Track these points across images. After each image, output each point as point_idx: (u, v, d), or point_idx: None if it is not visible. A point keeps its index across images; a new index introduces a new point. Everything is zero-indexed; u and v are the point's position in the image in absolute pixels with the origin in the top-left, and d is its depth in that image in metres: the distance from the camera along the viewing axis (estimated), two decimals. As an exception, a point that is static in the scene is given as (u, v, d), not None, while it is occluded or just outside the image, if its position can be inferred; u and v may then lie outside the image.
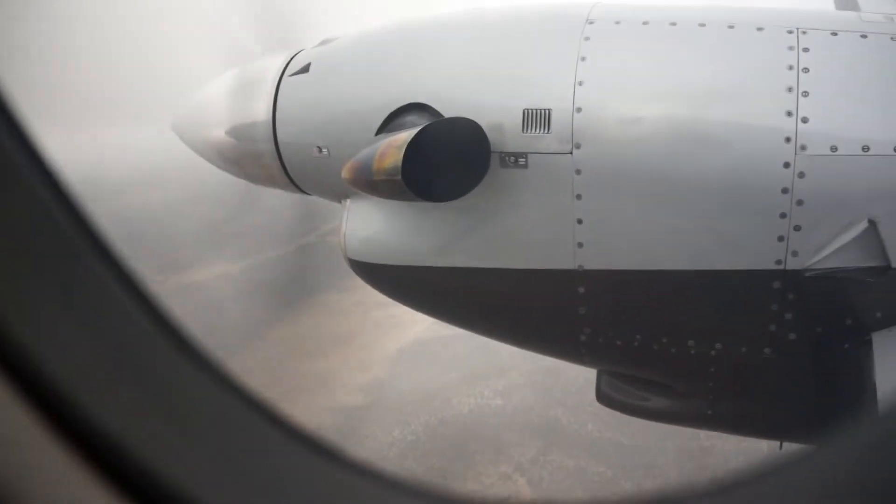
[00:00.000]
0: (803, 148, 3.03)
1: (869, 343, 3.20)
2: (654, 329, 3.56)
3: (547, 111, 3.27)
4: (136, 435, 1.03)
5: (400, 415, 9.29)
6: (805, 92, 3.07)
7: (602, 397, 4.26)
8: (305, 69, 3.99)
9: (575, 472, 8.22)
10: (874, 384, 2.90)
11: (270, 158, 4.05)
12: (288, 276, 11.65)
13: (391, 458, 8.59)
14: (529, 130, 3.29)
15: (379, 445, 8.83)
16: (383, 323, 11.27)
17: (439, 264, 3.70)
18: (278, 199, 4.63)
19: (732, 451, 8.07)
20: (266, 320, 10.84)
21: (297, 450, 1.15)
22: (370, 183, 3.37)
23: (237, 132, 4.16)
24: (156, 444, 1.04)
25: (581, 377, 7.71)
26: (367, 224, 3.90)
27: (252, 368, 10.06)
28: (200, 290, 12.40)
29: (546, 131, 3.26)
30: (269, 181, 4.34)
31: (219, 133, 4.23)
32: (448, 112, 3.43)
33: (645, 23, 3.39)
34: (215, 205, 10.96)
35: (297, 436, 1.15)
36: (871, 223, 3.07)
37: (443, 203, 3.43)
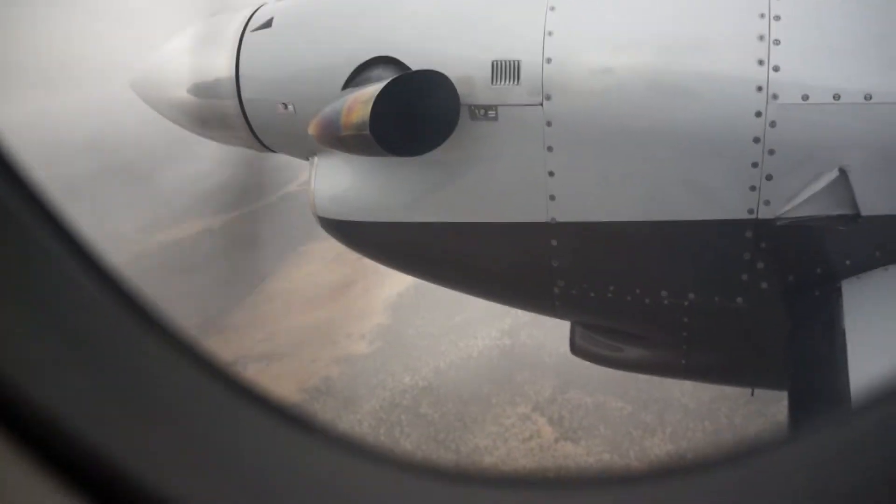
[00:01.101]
0: (775, 97, 3.03)
1: (839, 291, 3.24)
2: (628, 280, 3.55)
3: (516, 62, 3.24)
4: (98, 428, 0.94)
5: (408, 361, 9.22)
6: (776, 40, 3.05)
7: (576, 349, 4.28)
8: (268, 24, 3.92)
9: (594, 408, 8.23)
10: (844, 332, 2.96)
11: (235, 116, 3.98)
12: (272, 228, 11.66)
13: (405, 405, 8.53)
14: (499, 82, 3.26)
15: (390, 394, 8.75)
16: (378, 269, 11.00)
17: (410, 220, 3.67)
18: (251, 153, 4.57)
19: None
20: (256, 275, 10.92)
21: (276, 427, 1.07)
22: (338, 139, 3.34)
23: (199, 90, 4.09)
24: (123, 436, 0.95)
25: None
26: (336, 181, 3.85)
27: (247, 324, 10.03)
28: (183, 248, 12.21)
29: (516, 83, 3.23)
30: (234, 140, 4.29)
31: (180, 92, 4.16)
32: (416, 65, 3.38)
33: None
34: (187, 162, 11.34)
35: (277, 413, 1.07)
36: (842, 172, 3.07)
37: (412, 158, 3.39)
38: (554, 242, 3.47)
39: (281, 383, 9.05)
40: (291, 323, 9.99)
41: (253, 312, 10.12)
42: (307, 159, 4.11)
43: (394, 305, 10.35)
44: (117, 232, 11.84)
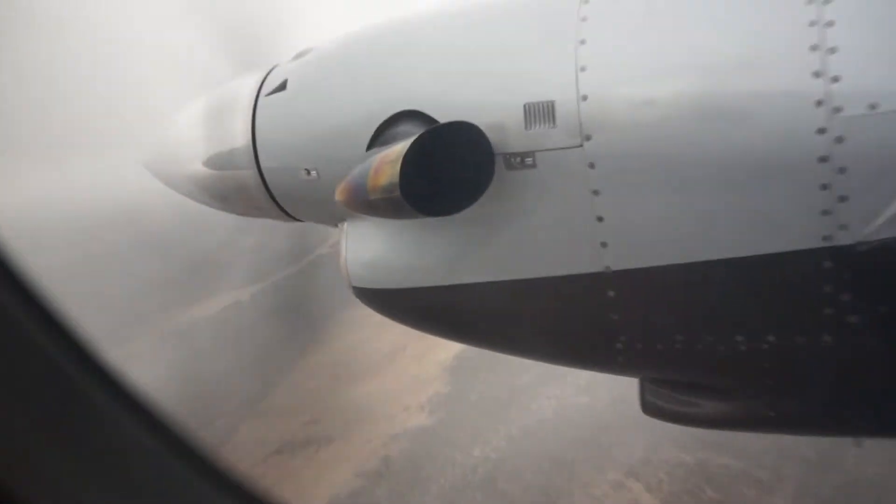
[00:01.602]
0: (838, 110, 2.84)
1: None
2: (697, 328, 3.40)
3: (550, 104, 3.15)
4: None
5: (475, 430, 8.40)
6: (832, 48, 2.87)
7: (648, 407, 4.06)
8: (282, 86, 3.89)
9: (697, 468, 7.27)
10: None
11: (255, 187, 3.94)
12: (308, 295, 11.00)
13: (478, 482, 7.64)
14: (533, 126, 3.19)
15: (461, 470, 7.87)
16: (429, 332, 10.37)
17: (451, 282, 3.59)
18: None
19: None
20: (295, 349, 10.23)
21: None
22: (367, 203, 3.27)
23: (216, 162, 4.04)
24: None
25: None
26: (369, 247, 3.80)
27: (290, 405, 9.30)
28: (213, 324, 11.57)
29: (552, 125, 3.16)
30: (256, 211, 4.20)
31: (195, 165, 4.11)
32: (443, 117, 3.32)
33: None
34: (205, 232, 10.54)
35: None
36: None
37: (448, 217, 3.29)
38: (611, 293, 3.30)
39: (334, 470, 8.30)
40: (339, 399, 9.27)
41: (295, 391, 9.41)
42: (336, 226, 4.02)
43: (451, 370, 9.63)
44: (143, 310, 11.29)
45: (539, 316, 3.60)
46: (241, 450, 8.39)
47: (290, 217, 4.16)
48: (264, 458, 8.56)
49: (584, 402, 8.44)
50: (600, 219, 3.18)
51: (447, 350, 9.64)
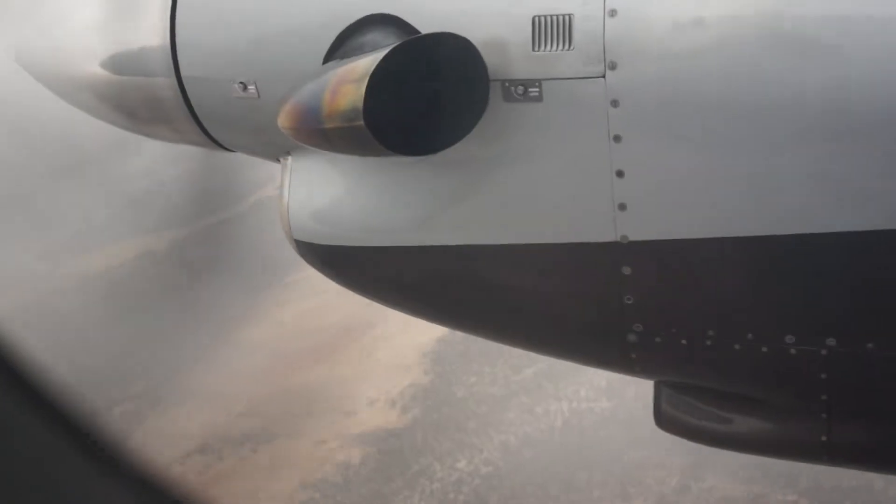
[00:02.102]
0: None
1: None
2: (735, 321, 3.11)
3: (566, 17, 2.83)
4: None
5: (462, 436, 7.04)
6: None
7: (663, 420, 3.67)
8: None
9: (746, 501, 6.07)
10: None
11: (171, 101, 3.63)
12: (244, 250, 9.29)
13: (462, 501, 6.31)
14: (543, 47, 2.86)
15: (440, 486, 6.56)
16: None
17: (426, 243, 3.35)
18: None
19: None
20: (224, 318, 8.60)
21: None
22: (320, 133, 3.01)
23: (119, 64, 3.70)
24: None
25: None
26: (320, 191, 3.58)
27: (218, 391, 7.76)
28: (116, 281, 9.66)
29: (566, 47, 2.83)
30: (172, 134, 3.92)
31: (90, 66, 3.76)
32: (425, 26, 2.96)
33: None
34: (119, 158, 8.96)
35: None
36: None
37: (426, 157, 2.96)
38: (626, 270, 3.01)
39: (276, 477, 6.83)
40: (285, 386, 7.59)
41: (225, 373, 7.64)
42: (277, 160, 3.75)
43: (433, 356, 7.96)
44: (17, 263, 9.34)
45: (533, 294, 3.37)
46: (148, 448, 6.71)
47: (216, 145, 3.80)
48: (181, 458, 6.93)
49: (604, 408, 7.12)
50: (620, 174, 2.89)
51: (429, 331, 7.86)
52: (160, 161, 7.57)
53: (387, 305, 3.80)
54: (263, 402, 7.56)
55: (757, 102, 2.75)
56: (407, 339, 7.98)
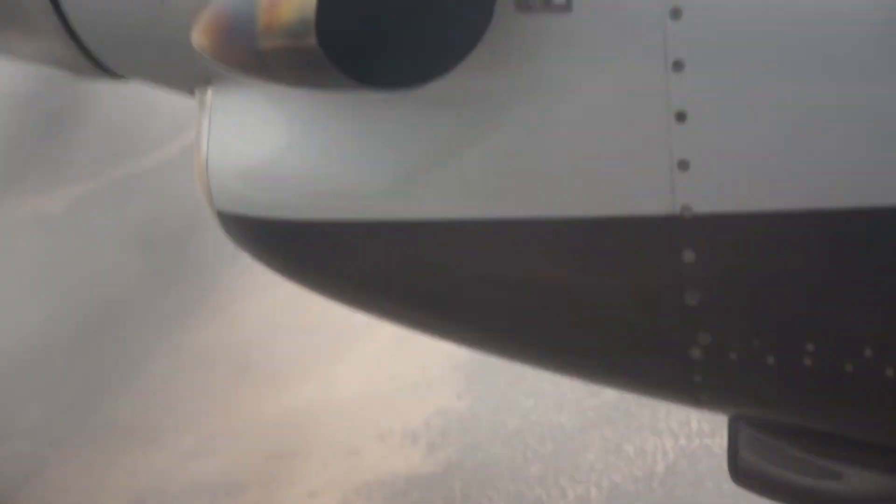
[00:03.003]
0: None
1: None
2: (848, 332, 2.44)
3: None
4: None
5: (520, 488, 5.12)
6: None
7: (740, 470, 2.77)
8: None
9: None
10: None
11: (36, 5, 3.06)
12: (176, 213, 7.54)
13: None
14: None
15: None
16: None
17: (404, 217, 2.68)
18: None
19: None
20: (164, 309, 6.89)
21: None
22: (253, 55, 2.44)
23: None
24: None
25: None
26: (253, 141, 2.89)
27: (162, 421, 5.98)
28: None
29: None
30: (31, 47, 3.43)
31: None
32: None
33: None
34: None
35: None
36: None
37: (405, 92, 2.44)
38: (689, 256, 2.36)
39: None
40: (254, 412, 5.72)
41: (166, 393, 5.84)
42: (191, 93, 3.01)
43: (469, 369, 6.01)
44: None
45: (555, 291, 2.64)
46: None
47: (101, 70, 3.15)
48: None
49: (723, 446, 5.28)
50: (681, 116, 2.29)
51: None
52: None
53: (348, 305, 2.98)
54: (226, 436, 5.65)
55: (869, 14, 2.29)
56: (431, 345, 6.17)
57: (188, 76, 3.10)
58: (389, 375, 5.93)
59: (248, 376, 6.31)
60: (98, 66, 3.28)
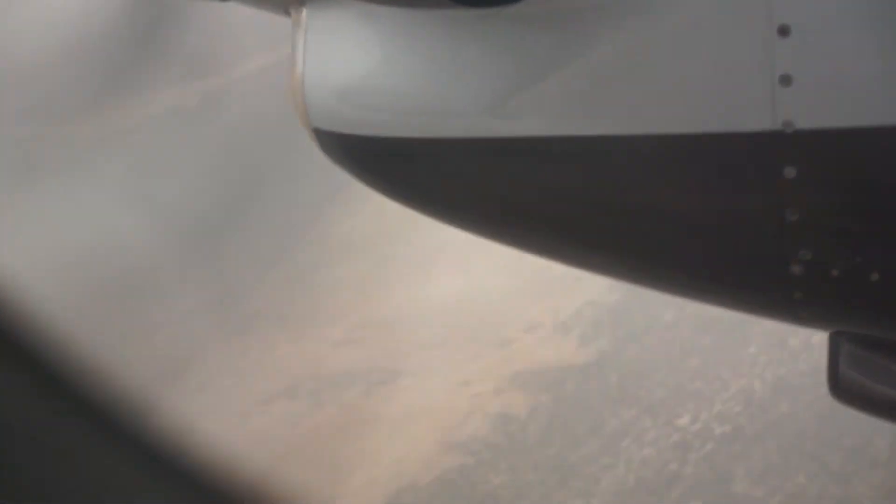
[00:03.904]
0: None
1: None
2: None
3: None
4: None
5: (682, 381, 4.85)
6: None
7: (841, 387, 2.90)
8: None
9: None
10: None
11: None
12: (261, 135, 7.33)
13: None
14: None
15: (656, 451, 4.52)
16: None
17: (501, 133, 2.78)
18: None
19: None
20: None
21: None
22: None
23: None
24: None
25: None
26: (349, 59, 3.00)
27: (322, 314, 5.91)
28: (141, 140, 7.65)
29: None
30: None
31: None
32: None
33: None
34: None
35: None
36: None
37: (500, 7, 2.57)
38: (790, 172, 2.40)
39: (400, 434, 4.91)
40: (401, 301, 5.63)
41: (307, 280, 5.84)
42: (287, 13, 3.13)
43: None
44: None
45: (655, 209, 2.74)
46: (208, 395, 4.85)
47: None
48: (261, 404, 5.01)
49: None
50: (785, 30, 2.29)
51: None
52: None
53: (444, 221, 3.20)
54: (373, 327, 5.59)
55: None
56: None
57: None
58: (534, 269, 5.67)
59: (390, 268, 6.14)
60: None
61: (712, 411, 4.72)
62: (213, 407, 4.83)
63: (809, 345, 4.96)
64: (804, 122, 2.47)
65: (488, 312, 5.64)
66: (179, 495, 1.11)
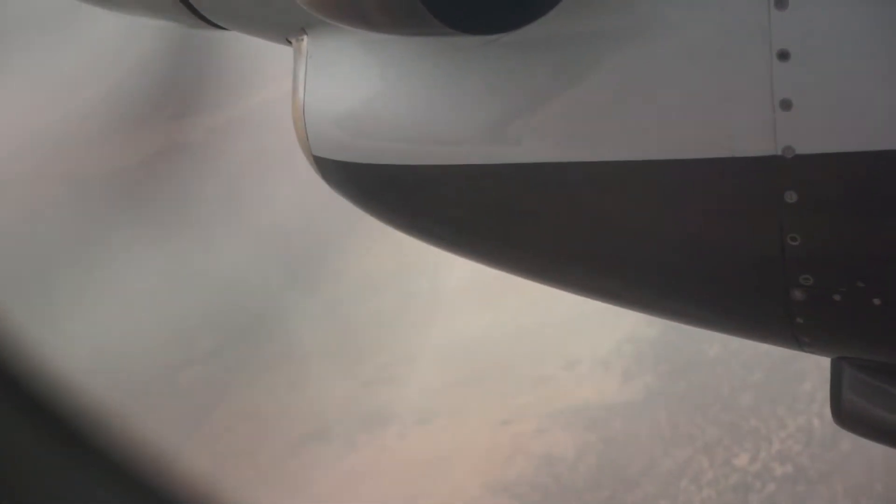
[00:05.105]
0: None
1: None
2: None
3: None
4: None
5: (736, 420, 4.76)
6: None
7: (844, 413, 2.79)
8: None
9: None
10: None
11: None
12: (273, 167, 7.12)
13: None
14: None
15: (716, 493, 4.40)
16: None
17: (500, 161, 2.71)
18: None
19: None
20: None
21: None
22: (349, 1, 2.50)
23: None
24: None
25: None
26: (348, 86, 2.99)
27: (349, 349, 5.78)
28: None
29: None
30: (140, 4, 3.62)
31: None
32: None
33: None
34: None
35: None
36: None
37: (499, 35, 2.49)
38: (791, 197, 2.32)
39: (440, 476, 4.73)
40: (425, 337, 5.41)
41: (331, 316, 5.60)
42: (287, 42, 3.11)
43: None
44: None
45: (655, 235, 2.63)
46: (230, 437, 4.60)
47: (202, 20, 3.22)
48: (291, 448, 4.74)
49: None
50: (784, 55, 2.24)
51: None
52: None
53: (445, 248, 3.07)
54: (402, 364, 5.37)
55: None
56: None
57: (284, 25, 3.13)
58: (567, 304, 5.55)
59: (416, 304, 5.99)
60: (198, 17, 3.28)
61: (771, 451, 4.64)
62: (240, 451, 4.56)
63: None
64: (804, 146, 2.42)
65: (522, 349, 5.48)
66: None
